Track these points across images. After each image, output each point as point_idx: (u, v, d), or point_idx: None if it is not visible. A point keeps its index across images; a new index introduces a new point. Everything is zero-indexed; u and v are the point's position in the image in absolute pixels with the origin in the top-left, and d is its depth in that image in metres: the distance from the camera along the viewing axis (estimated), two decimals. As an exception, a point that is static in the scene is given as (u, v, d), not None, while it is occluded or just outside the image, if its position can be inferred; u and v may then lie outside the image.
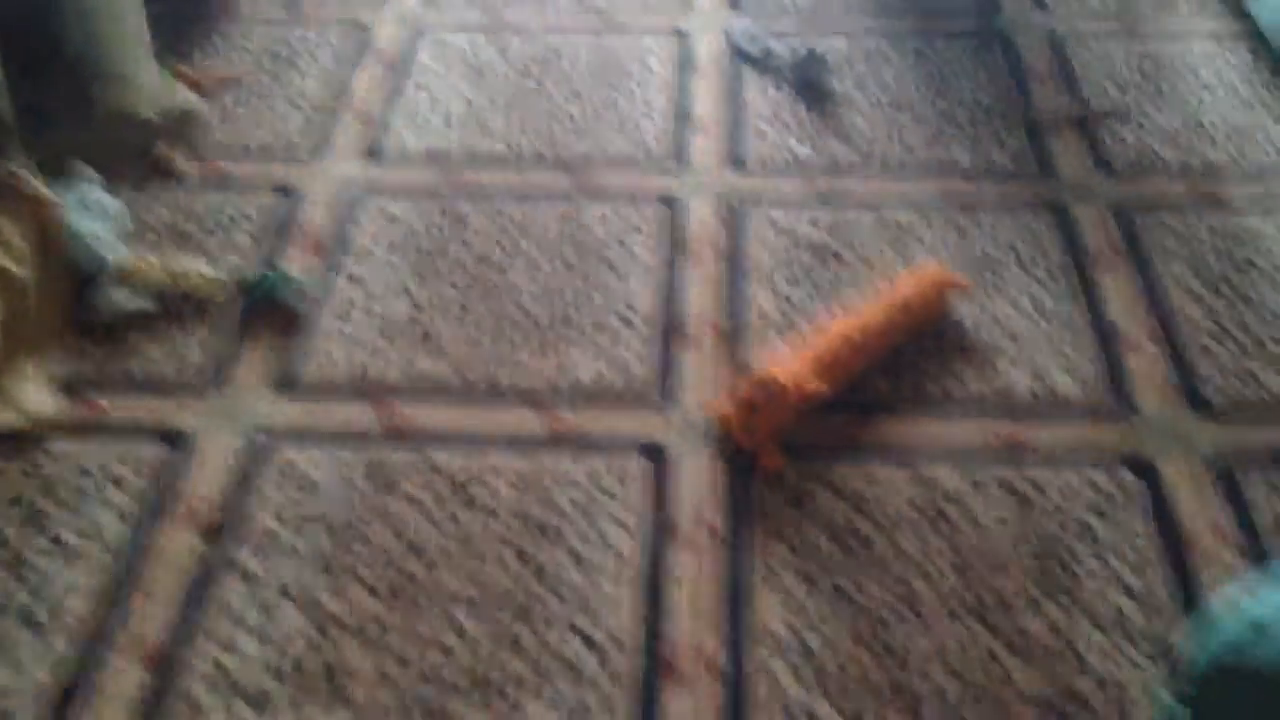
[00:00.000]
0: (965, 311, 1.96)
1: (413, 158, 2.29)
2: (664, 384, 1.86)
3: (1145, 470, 1.72)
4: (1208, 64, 2.49)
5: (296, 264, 2.04)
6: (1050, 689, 1.46)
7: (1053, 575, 1.58)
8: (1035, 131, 2.33)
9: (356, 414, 1.81)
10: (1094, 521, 1.65)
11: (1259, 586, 1.03)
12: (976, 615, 1.54)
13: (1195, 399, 1.82)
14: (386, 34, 2.63)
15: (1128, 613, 1.54)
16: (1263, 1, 2.44)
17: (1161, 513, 1.66)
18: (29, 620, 1.54)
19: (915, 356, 1.88)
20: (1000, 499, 1.68)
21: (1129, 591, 1.56)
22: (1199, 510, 1.66)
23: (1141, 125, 2.34)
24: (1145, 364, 1.88)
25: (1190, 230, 2.10)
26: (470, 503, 1.69)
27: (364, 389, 1.85)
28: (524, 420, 1.81)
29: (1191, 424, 1.78)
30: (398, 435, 1.78)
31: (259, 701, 1.46)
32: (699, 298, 2.00)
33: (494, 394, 1.84)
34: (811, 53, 2.44)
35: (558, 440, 1.77)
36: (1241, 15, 2.59)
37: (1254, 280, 2.00)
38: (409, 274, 2.03)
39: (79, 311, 1.92)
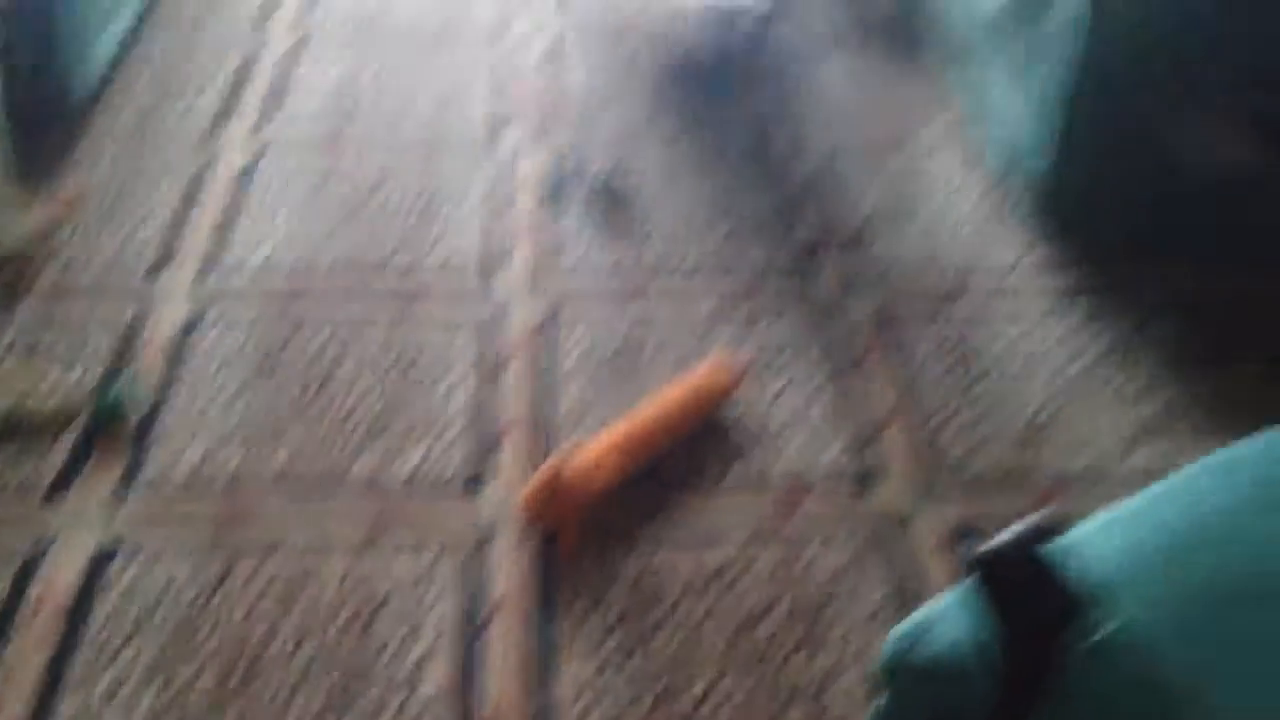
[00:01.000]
0: (745, 397, 2.25)
1: (253, 269, 2.50)
2: (479, 473, 2.09)
3: (890, 530, 2.02)
4: (955, 183, 2.87)
5: (144, 370, 2.23)
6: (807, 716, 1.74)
7: (813, 625, 1.86)
8: (809, 246, 2.67)
9: (198, 508, 2.00)
10: (847, 579, 1.93)
11: (935, 610, 1.31)
12: (747, 664, 1.80)
13: (937, 471, 2.13)
14: (232, 154, 2.85)
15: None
16: (1002, 125, 2.84)
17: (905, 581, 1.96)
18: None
19: (699, 441, 2.16)
20: (767, 565, 1.95)
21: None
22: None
23: (897, 240, 2.69)
24: (895, 443, 2.19)
25: (933, 328, 2.44)
26: (303, 584, 1.89)
27: (204, 485, 2.04)
28: (353, 509, 2.02)
29: (932, 502, 2.09)
30: (236, 527, 1.97)
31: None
32: (514, 396, 2.25)
33: (326, 487, 2.05)
34: (611, 175, 2.76)
35: (384, 528, 1.99)
36: (985, 138, 2.99)
37: (981, 366, 2.35)
38: (250, 376, 2.24)
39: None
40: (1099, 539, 1.39)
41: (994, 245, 2.67)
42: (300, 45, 3.34)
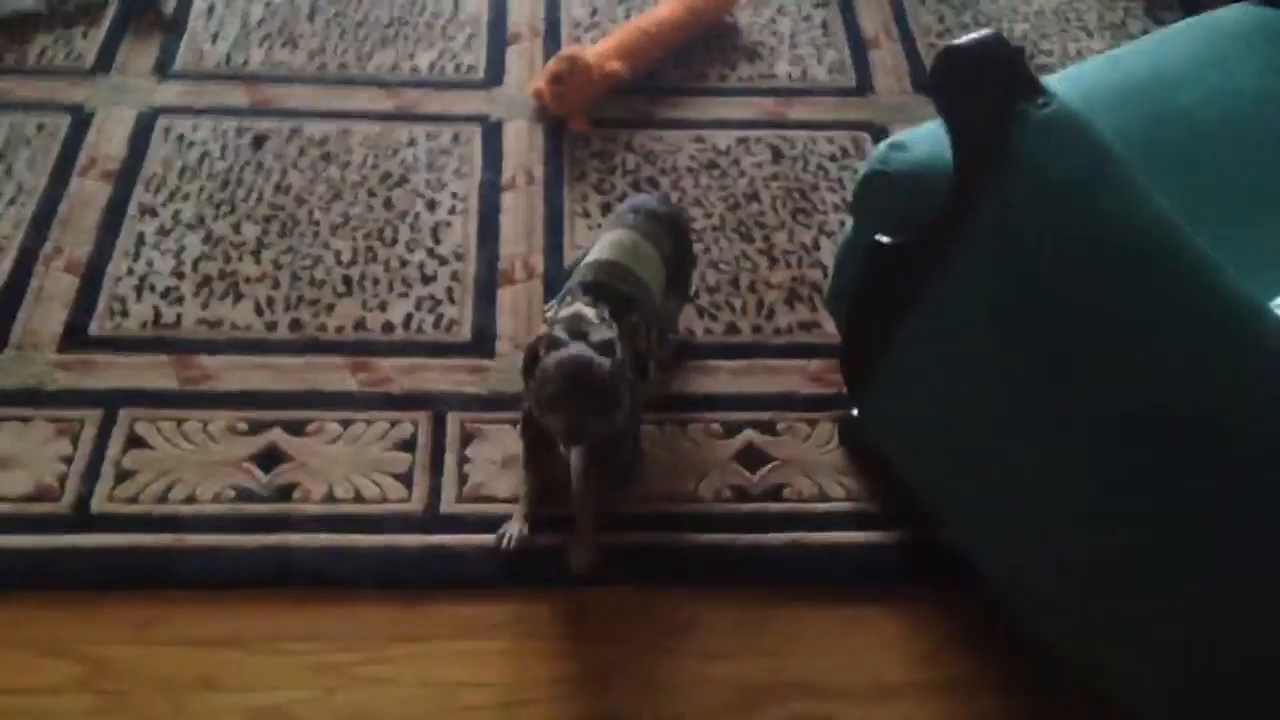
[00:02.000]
0: (744, 16, 2.36)
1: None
2: (490, 71, 2.22)
3: (879, 133, 2.17)
4: None
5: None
6: (791, 279, 1.93)
7: (798, 204, 2.04)
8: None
9: (228, 93, 2.14)
10: (831, 167, 2.10)
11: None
12: (740, 234, 1.99)
13: (920, 85, 2.27)
14: None
15: (854, 230, 2.01)
16: None
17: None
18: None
19: (701, 51, 2.29)
20: (761, 153, 2.12)
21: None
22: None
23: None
24: (885, 58, 2.32)
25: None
26: (329, 157, 2.04)
27: (233, 74, 2.17)
28: (373, 98, 2.16)
29: (914, 102, 2.23)
30: (264, 109, 2.11)
31: (171, 296, 1.83)
32: (520, 5, 2.36)
33: (345, 80, 2.19)
34: None
35: (402, 114, 2.13)
36: None
37: (977, -3, 2.46)
38: (267, -17, 2.34)
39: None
40: (1066, 79, 1.55)
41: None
42: None
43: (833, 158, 2.12)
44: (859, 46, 2.34)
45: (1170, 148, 1.45)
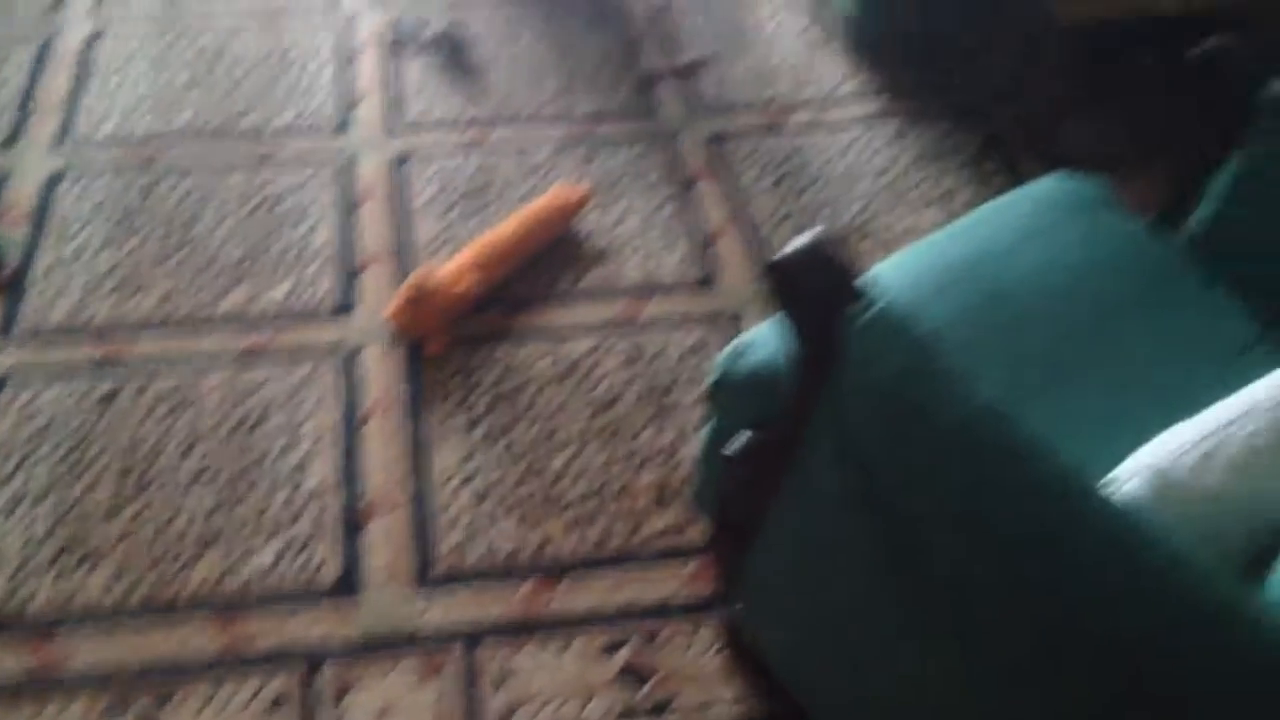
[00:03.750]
0: (590, 222, 2.42)
1: (108, 132, 2.57)
2: (344, 299, 2.24)
3: (731, 323, 2.22)
4: (778, 21, 3.05)
5: (9, 230, 2.30)
6: (660, 481, 1.93)
7: (659, 403, 2.06)
8: (644, 82, 2.83)
9: (75, 350, 2.11)
10: (688, 362, 2.13)
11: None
12: (604, 440, 2.00)
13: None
14: (78, 24, 2.88)
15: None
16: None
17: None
18: None
19: (552, 258, 2.33)
20: (618, 355, 2.14)
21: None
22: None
23: (728, 73, 2.87)
24: (731, 248, 2.39)
25: (762, 148, 2.64)
26: (184, 405, 2.02)
27: (80, 329, 2.14)
28: (226, 339, 2.15)
29: (763, 290, 2.29)
30: (115, 361, 2.09)
31: (22, 573, 1.76)
32: (372, 231, 2.38)
33: (197, 323, 2.17)
34: (452, 29, 2.87)
35: (257, 352, 2.12)
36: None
37: (811, 182, 2.55)
38: (113, 230, 2.33)
39: None
40: (897, 266, 1.61)
41: (815, 75, 2.86)
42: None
43: (691, 351, 2.16)
44: (705, 239, 2.41)
45: (998, 326, 1.52)
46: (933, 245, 1.68)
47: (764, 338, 1.47)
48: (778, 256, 1.31)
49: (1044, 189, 1.76)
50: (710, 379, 1.50)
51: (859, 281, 1.28)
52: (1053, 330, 1.52)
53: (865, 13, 2.85)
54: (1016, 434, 1.12)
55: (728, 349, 1.49)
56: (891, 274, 1.59)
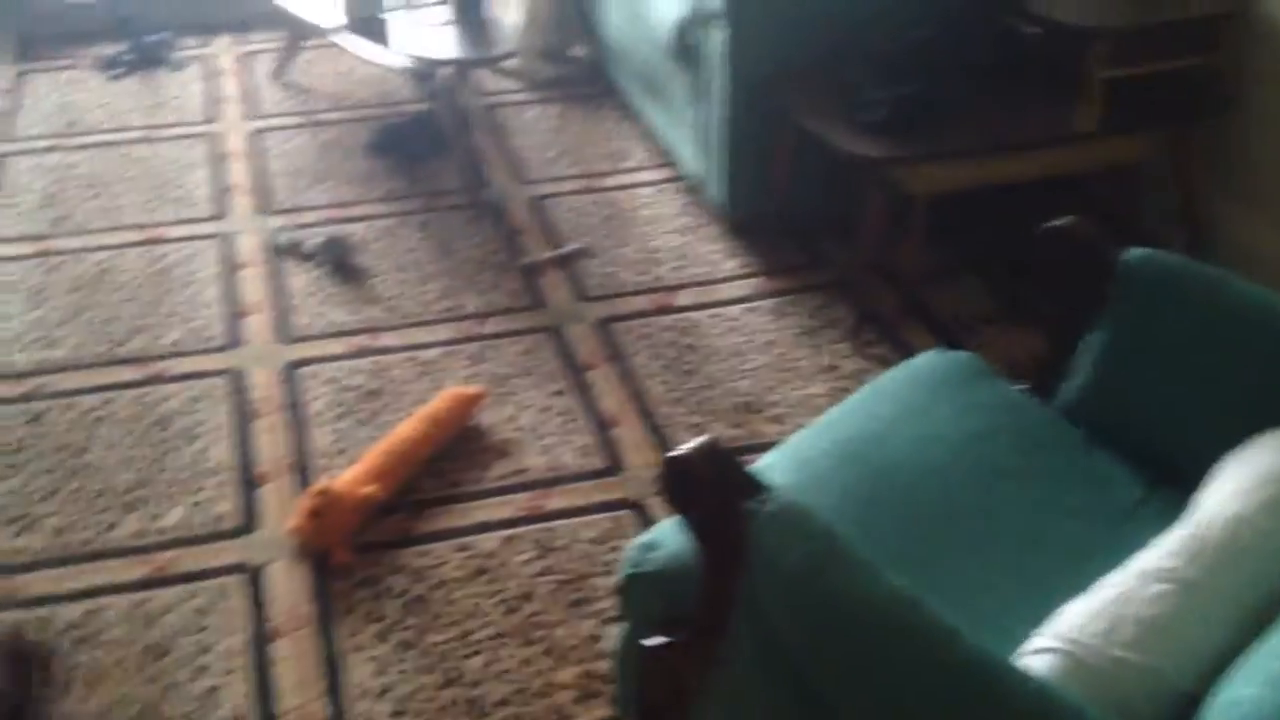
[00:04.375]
0: (487, 418, 2.45)
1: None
2: (244, 517, 2.21)
3: (636, 509, 2.24)
4: (655, 207, 3.18)
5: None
6: (582, 676, 1.93)
7: (572, 595, 2.06)
8: (527, 274, 2.91)
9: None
10: (598, 551, 2.15)
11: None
12: (521, 638, 1.99)
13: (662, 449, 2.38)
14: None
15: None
16: (683, 154, 3.17)
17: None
18: None
19: (452, 458, 2.35)
20: (528, 550, 2.15)
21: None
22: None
23: (610, 260, 2.96)
24: (629, 434, 2.43)
25: (651, 331, 2.71)
26: (85, 640, 1.96)
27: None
28: (123, 568, 2.10)
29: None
30: (8, 603, 2.02)
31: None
32: (268, 445, 2.38)
33: (91, 555, 2.13)
34: (334, 238, 2.93)
35: (157, 580, 2.08)
36: (675, 165, 3.31)
37: (701, 362, 2.63)
38: (-2, 469, 2.29)
39: None
40: (789, 451, 1.67)
41: (694, 258, 2.97)
42: (11, 149, 3.40)
43: (598, 541, 2.17)
44: (602, 426, 2.45)
45: (888, 503, 1.57)
46: (818, 430, 1.73)
47: (669, 534, 1.49)
48: (671, 455, 1.35)
49: (922, 365, 1.85)
50: (620, 575, 1.52)
51: (754, 475, 1.32)
52: (940, 506, 1.57)
53: (735, 198, 2.99)
54: (928, 616, 1.16)
55: (634, 546, 1.52)
56: (783, 463, 1.64)
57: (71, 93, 3.77)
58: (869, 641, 1.17)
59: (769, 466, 1.63)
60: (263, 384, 2.54)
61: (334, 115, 3.63)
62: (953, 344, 2.56)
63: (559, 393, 2.54)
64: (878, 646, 1.17)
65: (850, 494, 1.55)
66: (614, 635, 1.86)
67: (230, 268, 2.92)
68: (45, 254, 2.97)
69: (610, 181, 3.30)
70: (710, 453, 1.31)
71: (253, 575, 2.10)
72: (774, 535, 1.25)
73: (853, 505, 1.53)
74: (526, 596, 2.06)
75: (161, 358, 2.60)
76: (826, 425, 1.73)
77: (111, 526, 2.19)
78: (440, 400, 2.39)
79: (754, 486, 1.29)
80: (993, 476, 1.61)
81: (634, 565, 1.49)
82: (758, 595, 1.25)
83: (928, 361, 1.85)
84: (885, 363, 2.56)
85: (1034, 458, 1.65)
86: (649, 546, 1.48)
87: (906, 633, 1.15)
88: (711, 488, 1.30)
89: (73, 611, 2.02)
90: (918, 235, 2.75)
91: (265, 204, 3.19)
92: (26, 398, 2.48)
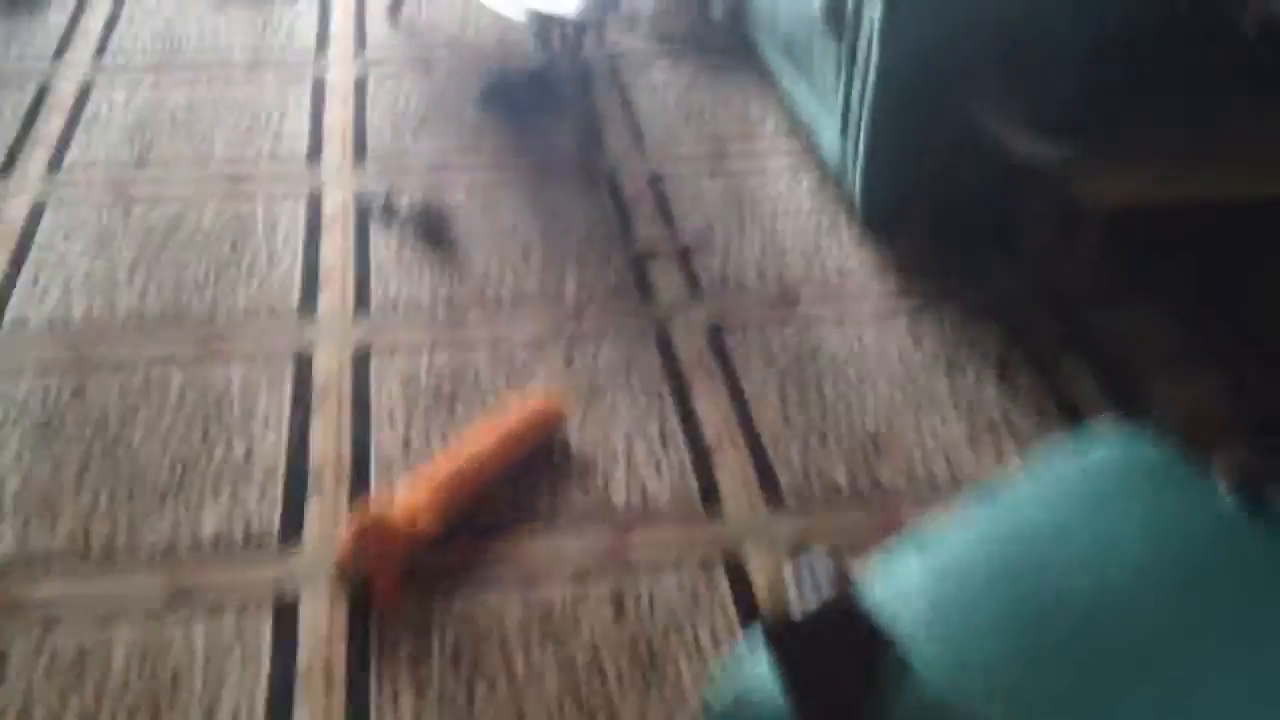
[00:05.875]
0: (573, 432, 2.14)
1: (44, 318, 2.33)
2: (287, 531, 1.95)
3: (731, 564, 1.92)
4: (784, 192, 2.82)
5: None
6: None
7: (645, 669, 1.75)
8: (638, 261, 2.58)
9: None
10: (683, 618, 1.83)
11: (749, 653, 1.21)
12: (578, 711, 1.69)
13: (774, 497, 2.05)
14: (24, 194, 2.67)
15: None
16: (823, 134, 2.80)
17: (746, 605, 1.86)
18: None
19: (526, 476, 2.05)
20: (601, 605, 1.84)
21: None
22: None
23: (728, 251, 2.62)
24: (731, 465, 2.11)
25: (770, 342, 2.37)
26: (84, 676, 1.71)
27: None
28: (144, 582, 1.85)
29: (768, 520, 2.01)
30: (8, 612, 1.80)
31: None
32: (325, 445, 2.11)
33: (111, 560, 1.89)
34: (429, 205, 2.64)
35: (179, 603, 1.83)
36: (811, 146, 2.94)
37: (821, 383, 2.28)
38: (28, 444, 2.06)
39: None
40: (910, 555, 1.32)
41: (823, 254, 2.61)
42: (101, 74, 3.19)
43: (684, 599, 1.85)
44: (701, 453, 2.13)
45: (1055, 640, 1.21)
46: (965, 524, 1.38)
47: (764, 682, 1.17)
48: (796, 616, 1.02)
49: (1095, 450, 1.48)
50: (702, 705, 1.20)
51: (884, 637, 1.00)
52: (1126, 648, 1.22)
53: (877, 191, 2.60)
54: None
55: (718, 687, 1.20)
56: (920, 566, 1.30)
57: (176, 16, 3.54)
58: None
59: (900, 566, 1.30)
60: (326, 369, 2.27)
61: (447, 61, 3.33)
62: (1120, 390, 2.18)
63: (655, 407, 2.21)
64: None
65: (1009, 620, 1.21)
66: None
67: (312, 229, 2.66)
68: (120, 194, 2.74)
69: (737, 158, 2.95)
70: (835, 614, 0.98)
71: (286, 608, 1.83)
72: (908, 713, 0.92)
73: (1012, 637, 1.19)
74: (593, 664, 1.76)
75: (222, 329, 2.35)
76: (974, 519, 1.38)
77: (138, 526, 1.94)
78: (519, 412, 2.09)
79: (882, 648, 0.97)
80: (1199, 623, 1.24)
81: (722, 708, 1.17)
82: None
83: (1106, 447, 1.47)
84: (1040, 408, 2.19)
85: (1257, 598, 1.27)
86: (739, 701, 1.15)
87: None
88: (830, 658, 0.98)
89: (78, 633, 1.78)
90: (1092, 254, 2.35)
91: (361, 154, 2.92)
92: (76, 365, 2.25)
